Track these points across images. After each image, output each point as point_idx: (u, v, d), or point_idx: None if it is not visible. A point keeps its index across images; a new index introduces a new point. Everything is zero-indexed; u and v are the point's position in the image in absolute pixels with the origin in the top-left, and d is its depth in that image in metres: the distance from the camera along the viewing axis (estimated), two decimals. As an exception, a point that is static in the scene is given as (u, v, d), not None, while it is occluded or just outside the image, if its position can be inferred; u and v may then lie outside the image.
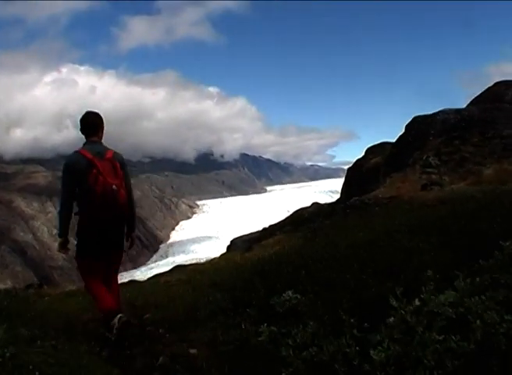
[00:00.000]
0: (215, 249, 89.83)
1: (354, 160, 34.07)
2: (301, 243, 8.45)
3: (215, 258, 14.46)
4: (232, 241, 38.38)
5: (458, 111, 20.87)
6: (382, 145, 31.89)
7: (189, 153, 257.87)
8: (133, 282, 9.60)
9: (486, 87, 24.74)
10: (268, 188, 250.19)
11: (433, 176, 15.78)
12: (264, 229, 34.97)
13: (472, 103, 24.31)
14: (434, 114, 21.25)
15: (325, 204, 39.15)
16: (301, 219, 31.42)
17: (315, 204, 38.75)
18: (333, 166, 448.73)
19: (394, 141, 31.64)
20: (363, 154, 33.29)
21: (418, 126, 21.42)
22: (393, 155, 22.41)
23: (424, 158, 17.75)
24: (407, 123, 23.02)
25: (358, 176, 29.47)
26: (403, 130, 22.90)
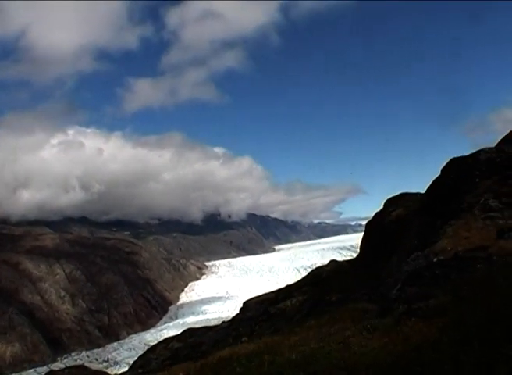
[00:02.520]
0: (225, 310, 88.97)
1: (362, 216, 32.98)
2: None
3: (244, 340, 11.09)
4: (244, 303, 37.84)
5: (500, 149, 19.61)
6: (403, 196, 30.66)
7: (196, 214, 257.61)
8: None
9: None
10: (277, 247, 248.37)
11: (500, 222, 14.06)
12: (279, 289, 34.45)
13: (501, 144, 22.02)
14: (474, 154, 19.87)
15: (344, 261, 38.11)
16: (320, 279, 30.30)
17: (333, 261, 38.02)
18: (341, 223, 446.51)
19: (410, 191, 29.58)
20: (381, 207, 31.81)
21: (458, 168, 19.92)
22: (430, 203, 20.94)
23: (481, 201, 16.05)
24: (442, 166, 21.29)
25: (379, 230, 28.45)
26: (439, 174, 21.37)
